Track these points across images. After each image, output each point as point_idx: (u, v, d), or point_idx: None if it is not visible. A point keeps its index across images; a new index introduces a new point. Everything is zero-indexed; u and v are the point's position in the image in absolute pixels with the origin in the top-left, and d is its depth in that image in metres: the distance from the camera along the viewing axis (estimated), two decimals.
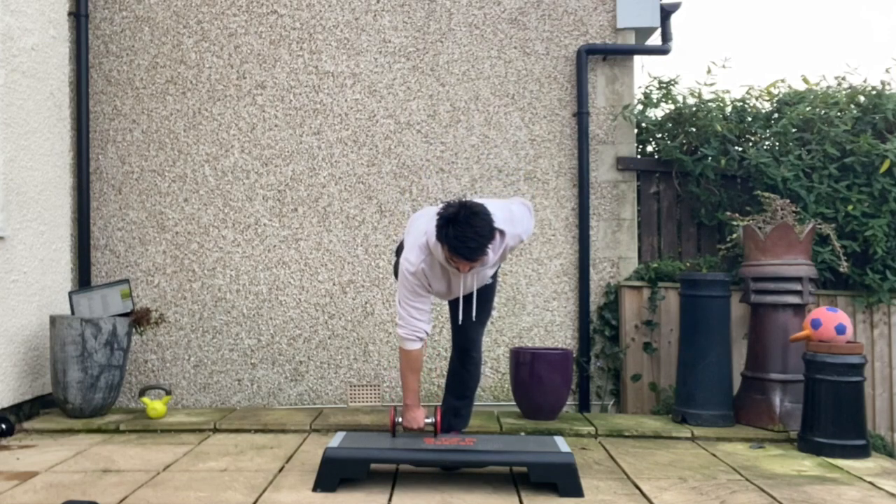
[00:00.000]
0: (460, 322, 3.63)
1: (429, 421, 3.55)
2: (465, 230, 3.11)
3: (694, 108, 5.15)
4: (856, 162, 4.88)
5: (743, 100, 5.27)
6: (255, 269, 5.16)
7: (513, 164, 5.22)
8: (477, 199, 3.38)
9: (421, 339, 3.43)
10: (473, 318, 3.59)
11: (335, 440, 3.41)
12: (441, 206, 3.25)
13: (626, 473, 3.57)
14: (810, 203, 4.85)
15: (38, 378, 4.63)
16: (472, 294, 3.56)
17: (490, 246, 3.25)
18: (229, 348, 5.14)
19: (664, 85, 5.31)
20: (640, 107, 5.28)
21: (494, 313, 4.89)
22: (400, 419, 3.59)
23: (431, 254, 3.35)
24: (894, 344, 5.05)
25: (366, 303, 5.17)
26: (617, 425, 4.46)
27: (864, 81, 5.20)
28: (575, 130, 5.23)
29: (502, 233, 3.35)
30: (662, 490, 3.30)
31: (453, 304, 3.75)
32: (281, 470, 3.55)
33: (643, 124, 5.38)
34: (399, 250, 3.63)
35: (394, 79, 5.23)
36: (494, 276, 3.80)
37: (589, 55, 5.23)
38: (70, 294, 4.66)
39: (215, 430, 4.36)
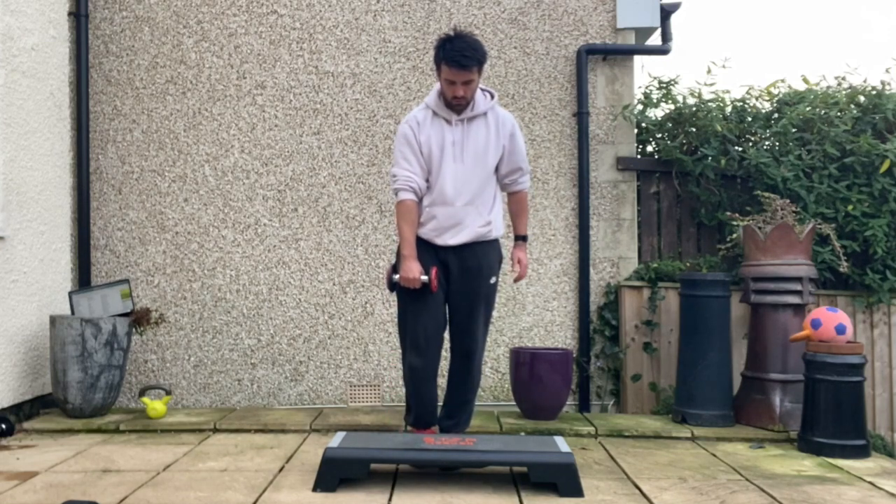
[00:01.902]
0: (457, 163, 3.67)
1: (424, 278, 3.60)
2: (459, 42, 3.54)
3: (694, 108, 5.15)
4: (856, 162, 4.88)
5: (743, 100, 5.27)
6: (255, 269, 5.16)
7: None
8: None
9: (413, 190, 3.65)
10: (473, 166, 3.67)
11: (335, 440, 3.41)
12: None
13: (626, 473, 3.57)
14: (810, 203, 4.85)
15: (38, 378, 4.63)
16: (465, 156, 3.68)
17: (484, 93, 3.69)
18: (229, 348, 5.14)
19: (664, 85, 5.31)
20: (640, 107, 5.28)
21: (494, 313, 4.88)
22: (397, 276, 3.64)
23: (427, 108, 3.70)
24: (894, 344, 5.05)
25: (366, 303, 5.17)
26: (617, 425, 4.46)
27: (864, 81, 5.20)
28: (575, 130, 5.23)
29: (492, 94, 3.75)
30: (662, 490, 3.30)
31: (454, 301, 3.75)
32: (281, 470, 3.55)
33: (643, 124, 5.38)
34: (396, 264, 3.73)
35: (394, 79, 5.23)
36: (496, 278, 3.80)
37: (589, 55, 5.23)
38: (70, 294, 4.66)
39: (215, 430, 4.36)
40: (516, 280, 4.01)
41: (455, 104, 3.61)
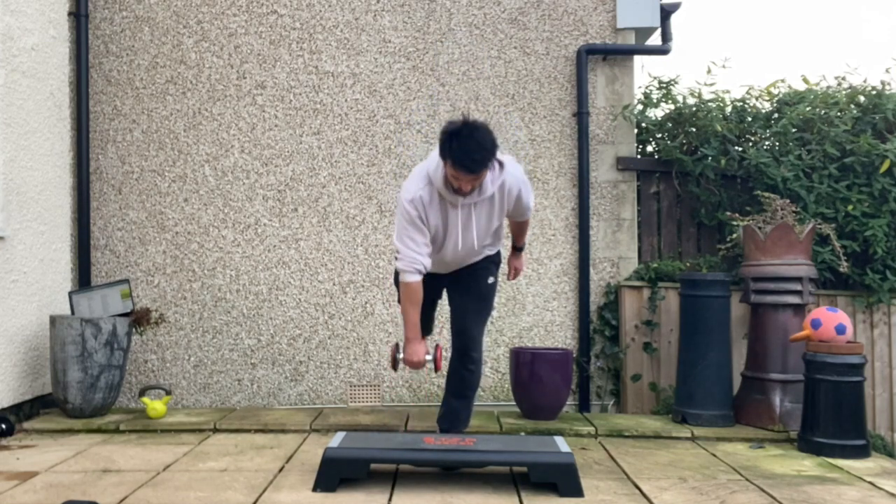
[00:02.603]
0: (460, 245, 3.57)
1: (429, 357, 3.57)
2: (468, 142, 3.17)
3: (694, 108, 5.15)
4: (856, 162, 4.88)
5: (743, 100, 5.27)
6: (255, 269, 5.16)
7: None
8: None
9: (419, 272, 3.45)
10: (475, 244, 3.56)
11: (335, 440, 3.41)
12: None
13: (626, 473, 3.57)
14: (810, 203, 4.85)
15: (38, 378, 4.63)
16: (471, 237, 3.53)
17: (491, 166, 3.29)
18: (229, 348, 5.14)
19: (664, 85, 5.31)
20: (640, 107, 5.28)
21: (494, 313, 4.87)
22: (401, 355, 3.60)
23: (431, 184, 3.40)
24: (894, 344, 5.05)
25: (366, 303, 5.17)
26: (617, 425, 4.46)
27: (864, 81, 5.21)
28: (575, 130, 5.23)
29: (502, 164, 3.41)
30: (662, 490, 3.30)
31: (454, 301, 3.76)
32: (281, 470, 3.55)
33: (643, 124, 5.38)
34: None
35: (394, 79, 5.23)
36: (493, 278, 3.81)
37: (589, 55, 5.23)
38: (70, 294, 4.66)
39: (215, 430, 4.36)
40: (511, 278, 4.04)
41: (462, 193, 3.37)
